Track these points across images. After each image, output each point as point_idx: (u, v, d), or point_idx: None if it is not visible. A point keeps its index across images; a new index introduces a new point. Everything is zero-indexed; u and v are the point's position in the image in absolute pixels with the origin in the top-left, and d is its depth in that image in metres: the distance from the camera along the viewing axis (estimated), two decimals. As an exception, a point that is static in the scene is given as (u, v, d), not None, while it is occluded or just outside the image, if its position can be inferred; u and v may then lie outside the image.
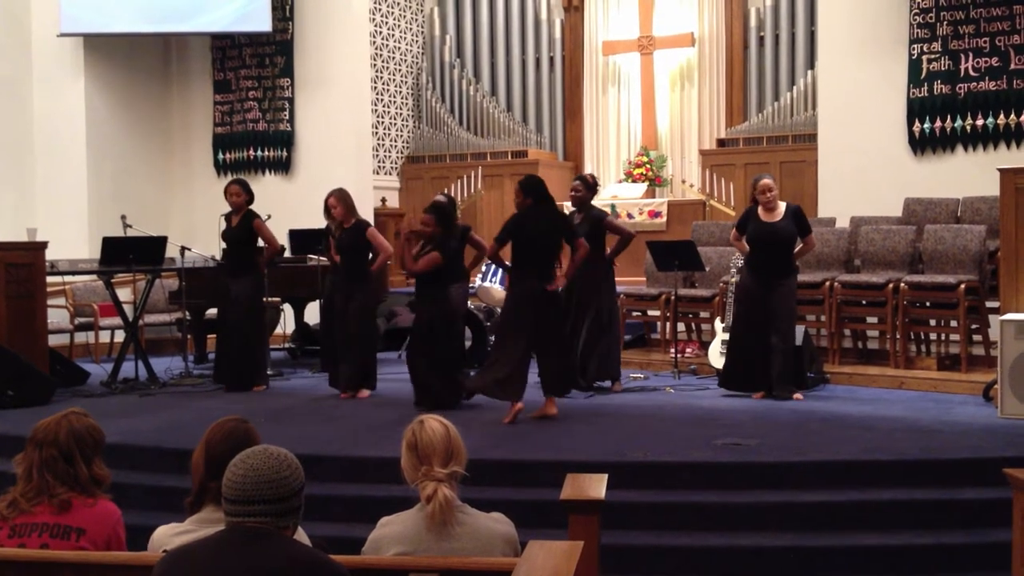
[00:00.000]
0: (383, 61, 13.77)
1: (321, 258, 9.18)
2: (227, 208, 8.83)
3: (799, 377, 7.89)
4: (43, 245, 8.71)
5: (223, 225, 8.75)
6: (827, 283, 8.71)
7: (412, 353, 7.68)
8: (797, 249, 7.90)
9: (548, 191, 7.18)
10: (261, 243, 8.74)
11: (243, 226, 8.62)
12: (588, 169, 13.59)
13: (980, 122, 9.91)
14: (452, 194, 11.84)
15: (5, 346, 8.15)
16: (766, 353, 7.73)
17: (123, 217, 9.29)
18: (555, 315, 7.14)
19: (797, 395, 7.74)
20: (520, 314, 6.97)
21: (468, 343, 9.30)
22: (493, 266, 9.50)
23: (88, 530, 3.19)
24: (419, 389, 7.62)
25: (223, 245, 8.72)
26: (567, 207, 8.96)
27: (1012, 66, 9.73)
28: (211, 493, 3.03)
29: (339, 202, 8.23)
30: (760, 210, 7.82)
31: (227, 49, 13.04)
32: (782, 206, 7.82)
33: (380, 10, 13.64)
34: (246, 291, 8.59)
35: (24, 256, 8.56)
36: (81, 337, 10.73)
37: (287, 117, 12.65)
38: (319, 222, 9.64)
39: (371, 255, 8.40)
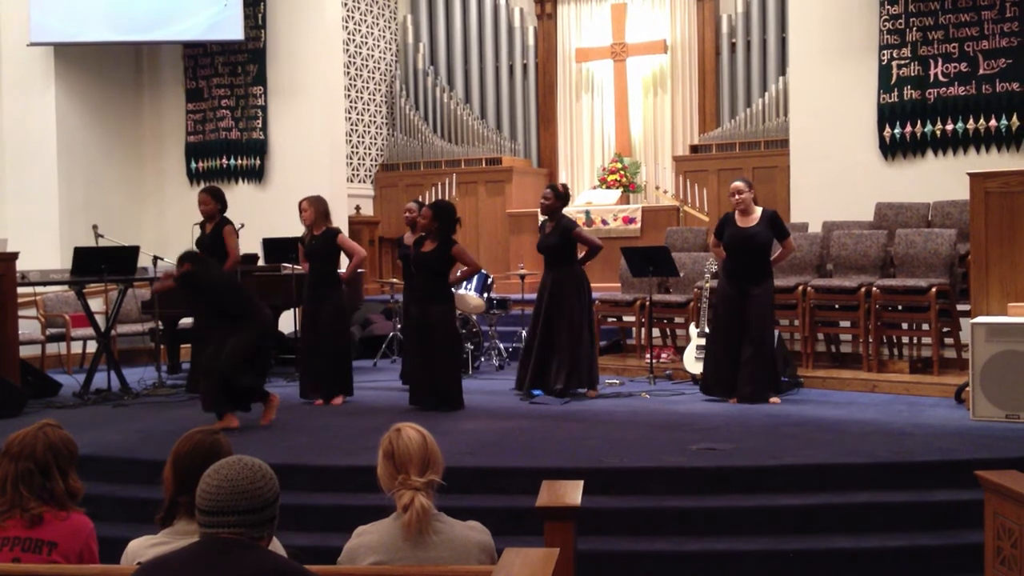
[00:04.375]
0: (356, 69, 13.75)
1: (295, 267, 9.14)
2: (198, 217, 8.80)
3: (774, 381, 7.94)
4: (14, 256, 8.62)
5: (197, 234, 8.72)
6: (800, 287, 8.76)
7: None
8: (775, 256, 7.95)
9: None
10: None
11: (215, 234, 8.59)
12: (563, 175, 13.65)
13: (950, 127, 10.01)
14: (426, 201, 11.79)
15: (-24, 358, 8.07)
16: (743, 357, 7.78)
17: (95, 227, 9.22)
18: None
19: (774, 399, 7.79)
20: None
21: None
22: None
23: (60, 544, 3.16)
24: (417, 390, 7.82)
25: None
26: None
27: (981, 71, 9.84)
28: (181, 508, 3.00)
29: (311, 206, 8.24)
30: (736, 215, 7.87)
31: (199, 57, 12.98)
32: (758, 211, 7.87)
33: (353, 18, 13.63)
34: None
35: (-6, 267, 8.48)
36: (53, 348, 10.63)
37: (260, 125, 12.61)
38: (293, 231, 9.62)
39: (343, 261, 8.38)
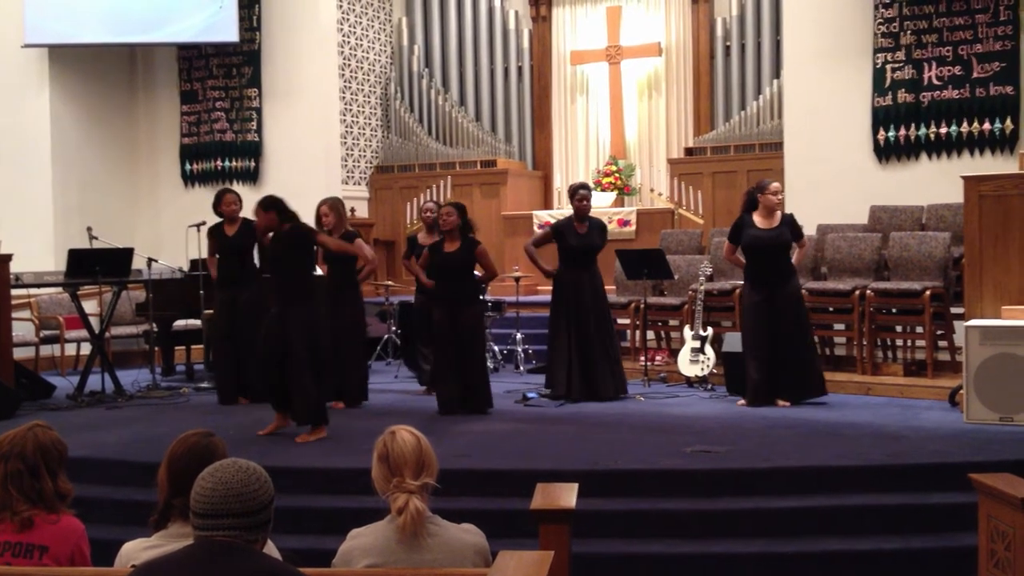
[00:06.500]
0: (351, 71, 13.75)
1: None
2: (193, 219, 8.76)
3: (821, 377, 7.90)
4: (8, 258, 8.60)
5: (199, 235, 8.64)
6: (794, 290, 8.76)
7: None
8: (794, 256, 7.95)
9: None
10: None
11: (244, 234, 8.50)
12: (557, 178, 13.66)
13: (944, 130, 10.03)
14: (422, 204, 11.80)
15: (-31, 360, 8.06)
16: (785, 361, 7.71)
17: (89, 228, 9.20)
18: None
19: (784, 402, 7.76)
20: None
21: None
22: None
23: (51, 547, 3.14)
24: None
25: (203, 255, 8.62)
26: (546, 217, 8.94)
27: (974, 75, 9.85)
28: (176, 510, 2.99)
29: (331, 211, 8.15)
30: (758, 218, 7.81)
31: (194, 59, 12.98)
32: (778, 213, 7.87)
33: (348, 20, 13.63)
34: (258, 300, 8.33)
35: (-12, 269, 8.46)
36: (47, 350, 10.62)
37: (255, 127, 12.60)
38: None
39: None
